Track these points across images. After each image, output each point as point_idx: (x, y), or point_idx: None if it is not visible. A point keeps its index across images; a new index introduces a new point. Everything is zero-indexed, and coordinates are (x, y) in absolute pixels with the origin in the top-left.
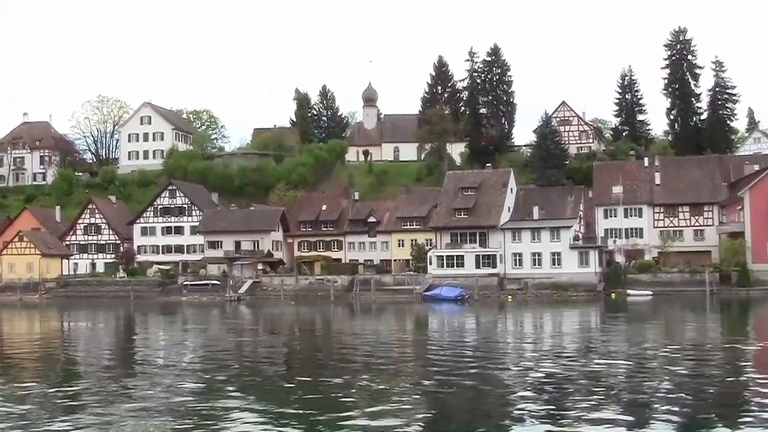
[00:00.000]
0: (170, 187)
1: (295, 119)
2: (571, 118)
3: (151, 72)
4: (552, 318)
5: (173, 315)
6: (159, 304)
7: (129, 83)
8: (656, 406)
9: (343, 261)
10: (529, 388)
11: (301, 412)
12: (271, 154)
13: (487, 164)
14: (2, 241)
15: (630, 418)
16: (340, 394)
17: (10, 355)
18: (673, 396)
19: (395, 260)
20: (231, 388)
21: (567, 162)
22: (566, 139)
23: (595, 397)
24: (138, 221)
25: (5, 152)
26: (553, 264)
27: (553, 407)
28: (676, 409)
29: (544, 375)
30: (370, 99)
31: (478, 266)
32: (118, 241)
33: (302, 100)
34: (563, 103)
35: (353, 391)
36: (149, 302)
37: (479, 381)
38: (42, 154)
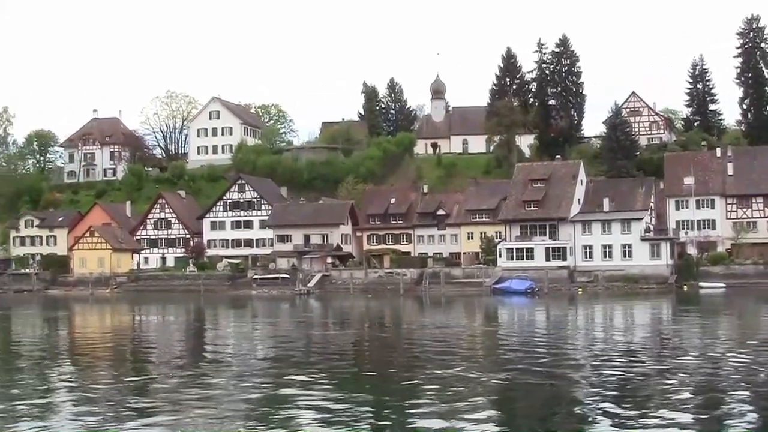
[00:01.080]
0: (239, 182)
1: (363, 112)
2: (641, 109)
3: (219, 67)
4: (623, 311)
5: (243, 308)
6: (229, 298)
7: (197, 79)
8: (732, 405)
9: (412, 254)
10: (601, 385)
11: (369, 407)
12: (340, 147)
13: (557, 156)
14: (74, 236)
15: (705, 418)
16: (409, 389)
17: (83, 348)
18: (750, 395)
19: (464, 253)
20: (300, 381)
21: (637, 153)
22: (636, 129)
23: (669, 394)
24: (207, 216)
25: (76, 148)
26: (624, 256)
27: (626, 405)
28: (752, 408)
29: (615, 371)
30: (438, 91)
31: (548, 259)
32: (188, 236)
33: (370, 94)
34: (633, 93)
35: (422, 385)
36: (219, 296)
37: (549, 376)
38: (112, 150)
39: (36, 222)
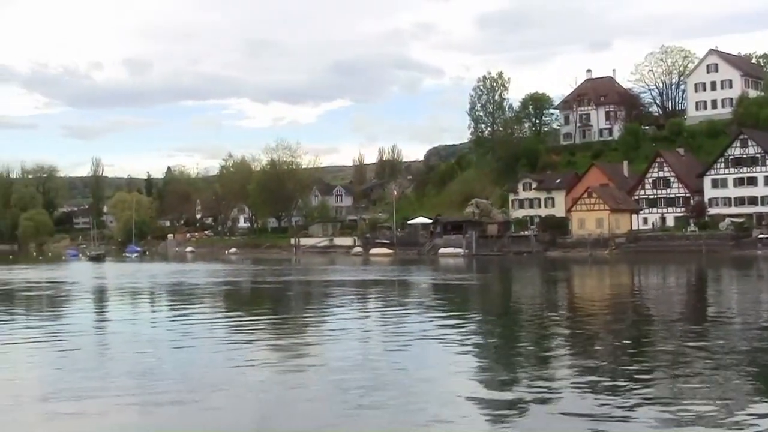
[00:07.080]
0: (741, 137)
1: None
2: None
3: (715, 18)
4: None
5: (747, 269)
6: (732, 259)
7: (693, 32)
8: None
9: None
10: None
11: None
12: None
13: None
14: (571, 198)
15: None
16: None
17: (584, 309)
18: None
19: None
20: None
21: None
22: None
23: None
24: (708, 173)
25: (571, 110)
26: None
27: None
28: None
29: None
30: None
31: None
32: (688, 195)
33: None
34: None
35: None
36: (721, 256)
37: None
38: (607, 110)
39: (534, 185)
